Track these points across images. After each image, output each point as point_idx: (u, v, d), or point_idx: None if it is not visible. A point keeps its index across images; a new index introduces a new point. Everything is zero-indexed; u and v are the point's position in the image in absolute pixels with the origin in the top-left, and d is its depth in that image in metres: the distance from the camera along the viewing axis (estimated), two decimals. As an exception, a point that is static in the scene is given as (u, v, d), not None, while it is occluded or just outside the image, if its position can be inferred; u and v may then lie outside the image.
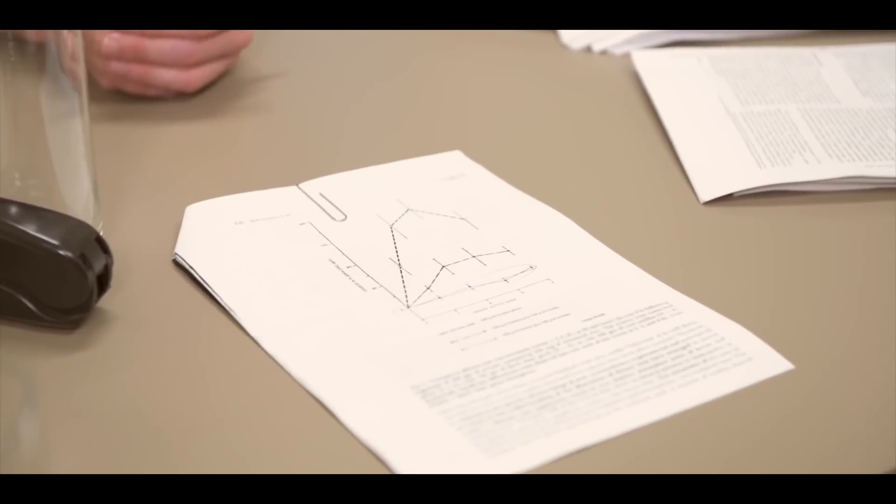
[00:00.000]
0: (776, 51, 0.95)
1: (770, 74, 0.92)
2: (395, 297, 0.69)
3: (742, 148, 0.83)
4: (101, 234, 0.67)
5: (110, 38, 0.83)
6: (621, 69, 0.94)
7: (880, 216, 0.79)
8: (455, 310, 0.68)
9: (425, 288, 0.70)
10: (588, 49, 0.97)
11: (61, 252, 0.64)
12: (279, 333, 0.66)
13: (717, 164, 0.82)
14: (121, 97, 0.88)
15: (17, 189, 0.69)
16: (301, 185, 0.78)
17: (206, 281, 0.69)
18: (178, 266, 0.71)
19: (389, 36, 0.97)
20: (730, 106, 0.88)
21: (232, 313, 0.67)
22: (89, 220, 0.69)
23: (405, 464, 0.58)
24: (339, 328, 0.66)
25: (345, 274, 0.70)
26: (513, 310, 0.68)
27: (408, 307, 0.68)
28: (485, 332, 0.66)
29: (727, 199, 0.79)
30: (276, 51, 0.95)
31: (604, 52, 0.97)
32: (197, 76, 0.86)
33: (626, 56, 0.95)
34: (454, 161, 0.82)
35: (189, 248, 0.71)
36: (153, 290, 0.70)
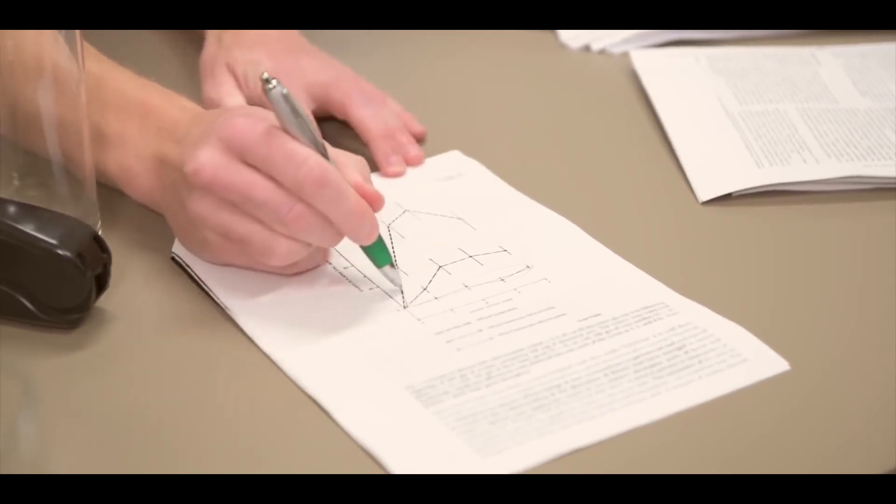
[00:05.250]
0: (774, 50, 0.95)
1: (768, 74, 0.92)
2: (391, 297, 0.69)
3: (740, 148, 0.83)
4: (99, 233, 0.67)
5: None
6: (620, 68, 0.94)
7: (879, 216, 0.79)
8: (451, 310, 0.68)
9: (422, 288, 0.70)
10: (586, 48, 0.97)
11: (59, 251, 0.64)
12: (276, 333, 0.66)
13: (716, 164, 0.82)
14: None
15: (16, 188, 0.70)
16: (299, 185, 0.78)
17: (204, 280, 0.69)
18: (176, 265, 0.71)
19: (388, 36, 0.96)
20: (728, 105, 0.88)
21: (229, 312, 0.68)
22: (87, 220, 0.69)
23: (400, 464, 0.59)
24: (336, 328, 0.67)
25: (342, 274, 0.71)
26: (509, 309, 0.68)
27: (404, 307, 0.68)
28: (481, 331, 0.67)
29: (725, 198, 0.79)
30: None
31: (602, 52, 0.97)
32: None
33: (625, 55, 0.95)
34: (452, 160, 0.82)
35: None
36: (151, 290, 0.70)
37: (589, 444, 0.60)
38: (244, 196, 0.65)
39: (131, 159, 0.71)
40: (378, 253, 0.69)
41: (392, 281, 0.69)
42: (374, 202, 0.67)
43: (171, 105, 0.71)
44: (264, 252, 0.66)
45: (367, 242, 0.68)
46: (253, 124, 0.65)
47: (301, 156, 0.64)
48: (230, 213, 0.66)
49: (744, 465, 0.60)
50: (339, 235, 0.67)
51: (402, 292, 0.69)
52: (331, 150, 0.67)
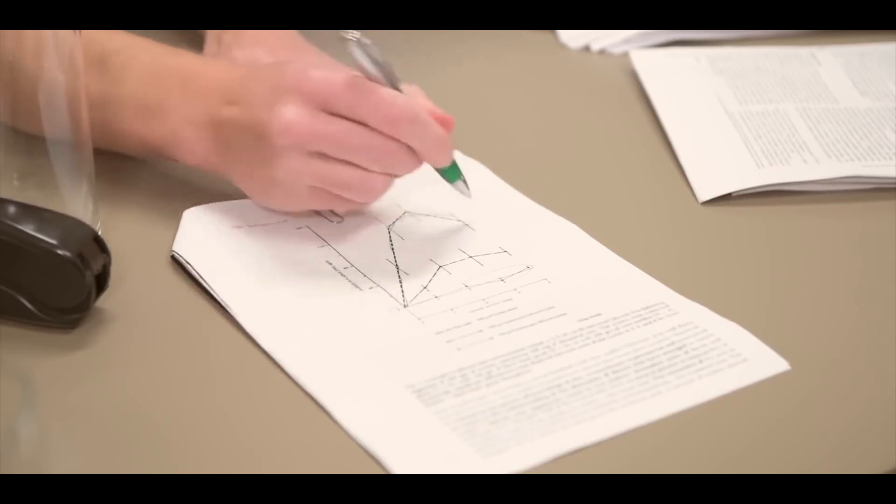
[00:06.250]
0: (774, 50, 0.95)
1: (768, 74, 0.92)
2: (391, 296, 0.69)
3: (740, 148, 0.83)
4: (99, 233, 0.67)
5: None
6: (619, 68, 0.94)
7: (878, 216, 0.79)
8: (451, 309, 0.68)
9: (422, 288, 0.70)
10: (586, 48, 0.97)
11: (59, 251, 0.64)
12: (276, 332, 0.66)
13: (716, 164, 0.82)
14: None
15: (16, 188, 0.69)
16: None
17: (204, 278, 0.69)
18: (177, 265, 0.71)
19: (387, 36, 0.96)
20: (728, 105, 0.88)
21: (229, 310, 0.68)
22: (87, 220, 0.69)
23: (400, 464, 0.59)
24: (336, 327, 0.67)
25: (341, 274, 0.71)
26: (509, 309, 0.68)
27: (405, 307, 0.68)
28: (481, 331, 0.67)
29: (725, 198, 0.79)
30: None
31: (602, 52, 0.97)
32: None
33: (625, 55, 0.95)
34: (452, 161, 0.82)
35: (187, 247, 0.71)
36: (151, 290, 0.70)
37: (590, 444, 0.60)
38: (340, 144, 0.68)
39: (179, 125, 0.72)
40: (452, 170, 0.73)
41: (462, 193, 0.74)
42: (447, 123, 0.71)
43: (209, 67, 0.73)
44: (366, 192, 0.70)
45: (446, 164, 0.72)
46: (331, 75, 0.68)
47: (390, 96, 0.68)
48: (325, 163, 0.68)
49: (744, 465, 0.60)
50: (420, 162, 0.71)
51: (402, 290, 0.69)
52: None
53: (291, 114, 0.67)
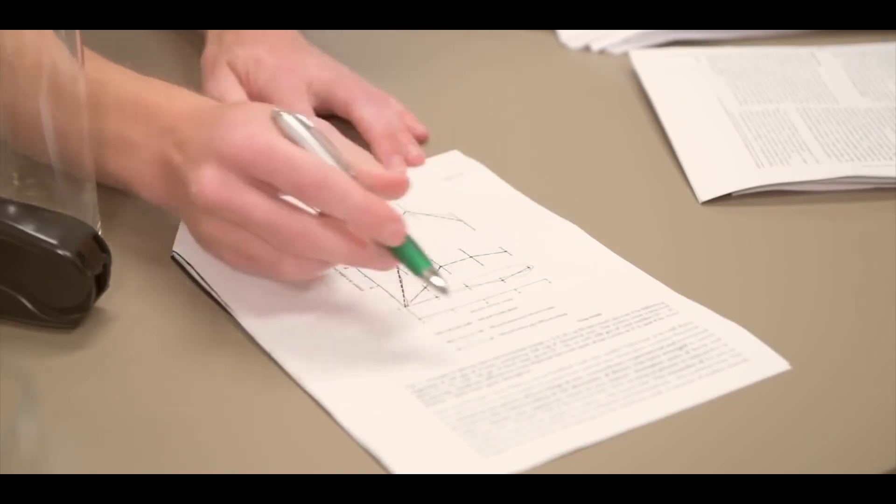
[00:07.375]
0: (774, 50, 0.95)
1: (768, 74, 0.92)
2: (392, 296, 0.69)
3: (740, 148, 0.83)
4: (99, 233, 0.68)
5: None
6: (619, 68, 0.94)
7: (879, 216, 0.79)
8: (452, 309, 0.68)
9: (422, 288, 0.70)
10: (586, 48, 0.97)
11: (59, 251, 0.64)
12: (276, 332, 0.66)
13: (716, 164, 0.82)
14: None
15: (16, 188, 0.70)
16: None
17: (204, 278, 0.69)
18: (177, 265, 0.71)
19: (388, 36, 0.97)
20: (728, 105, 0.88)
21: (230, 311, 0.68)
22: (88, 220, 0.69)
23: (401, 464, 0.59)
24: (336, 327, 0.67)
25: (342, 275, 0.71)
26: (510, 309, 0.68)
27: (405, 307, 0.68)
28: (481, 331, 0.67)
29: (725, 198, 0.79)
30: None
31: (602, 52, 0.97)
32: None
33: (625, 55, 0.95)
34: (452, 161, 0.82)
35: (187, 248, 0.71)
36: (151, 290, 0.70)
37: (590, 444, 0.60)
38: (246, 218, 0.64)
39: (140, 164, 0.69)
40: (410, 256, 0.63)
41: (436, 286, 0.63)
42: (394, 187, 0.64)
43: (171, 101, 0.70)
44: (272, 271, 0.66)
45: (394, 242, 0.63)
46: (251, 137, 0.63)
47: (299, 160, 0.63)
48: (238, 233, 0.65)
49: (744, 465, 0.60)
50: (358, 252, 0.64)
51: (402, 290, 0.69)
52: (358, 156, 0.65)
53: (208, 178, 0.63)
